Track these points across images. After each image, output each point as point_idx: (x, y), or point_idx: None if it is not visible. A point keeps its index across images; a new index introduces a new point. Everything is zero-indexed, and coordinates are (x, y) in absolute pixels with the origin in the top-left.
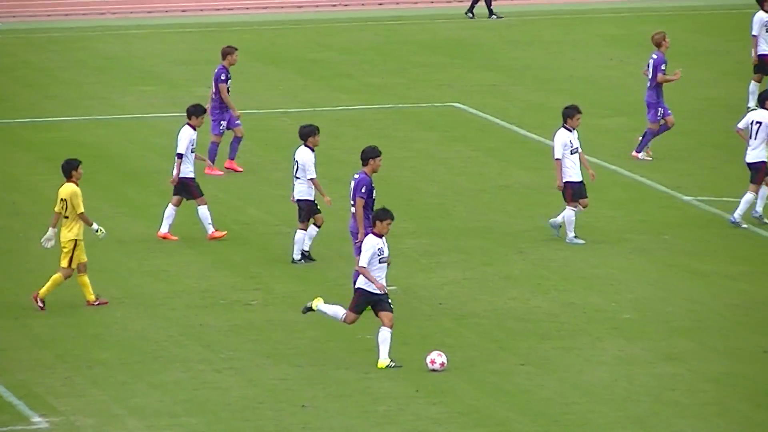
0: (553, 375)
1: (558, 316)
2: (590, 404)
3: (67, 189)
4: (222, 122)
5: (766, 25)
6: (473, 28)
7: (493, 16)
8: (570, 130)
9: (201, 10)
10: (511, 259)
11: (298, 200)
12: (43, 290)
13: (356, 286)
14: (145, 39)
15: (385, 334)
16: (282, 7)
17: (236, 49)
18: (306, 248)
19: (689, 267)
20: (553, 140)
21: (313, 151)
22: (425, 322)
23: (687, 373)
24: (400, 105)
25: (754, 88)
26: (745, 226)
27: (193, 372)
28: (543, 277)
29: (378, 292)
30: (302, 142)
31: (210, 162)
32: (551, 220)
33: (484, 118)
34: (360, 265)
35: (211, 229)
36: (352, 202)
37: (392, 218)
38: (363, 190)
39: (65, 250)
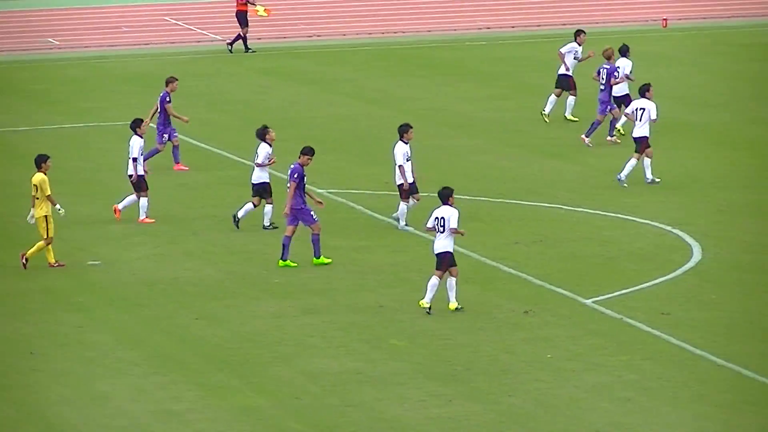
0: (220, 326)
1: (223, 281)
2: (250, 348)
3: (38, 177)
4: (164, 135)
5: (574, 53)
6: (161, 63)
7: (249, 50)
8: (405, 143)
9: None
10: (188, 239)
11: (258, 183)
12: (30, 251)
13: (442, 251)
14: None
15: (452, 283)
16: (14, 50)
17: (176, 79)
18: (240, 214)
19: (324, 243)
20: (394, 151)
21: (270, 145)
22: (123, 288)
23: (322, 324)
24: (102, 123)
25: (553, 99)
26: (625, 185)
27: None
28: (212, 252)
29: (451, 251)
30: (260, 140)
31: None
32: (396, 214)
33: None
34: (452, 227)
35: (143, 215)
36: (288, 185)
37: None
38: (296, 176)
39: (40, 224)
